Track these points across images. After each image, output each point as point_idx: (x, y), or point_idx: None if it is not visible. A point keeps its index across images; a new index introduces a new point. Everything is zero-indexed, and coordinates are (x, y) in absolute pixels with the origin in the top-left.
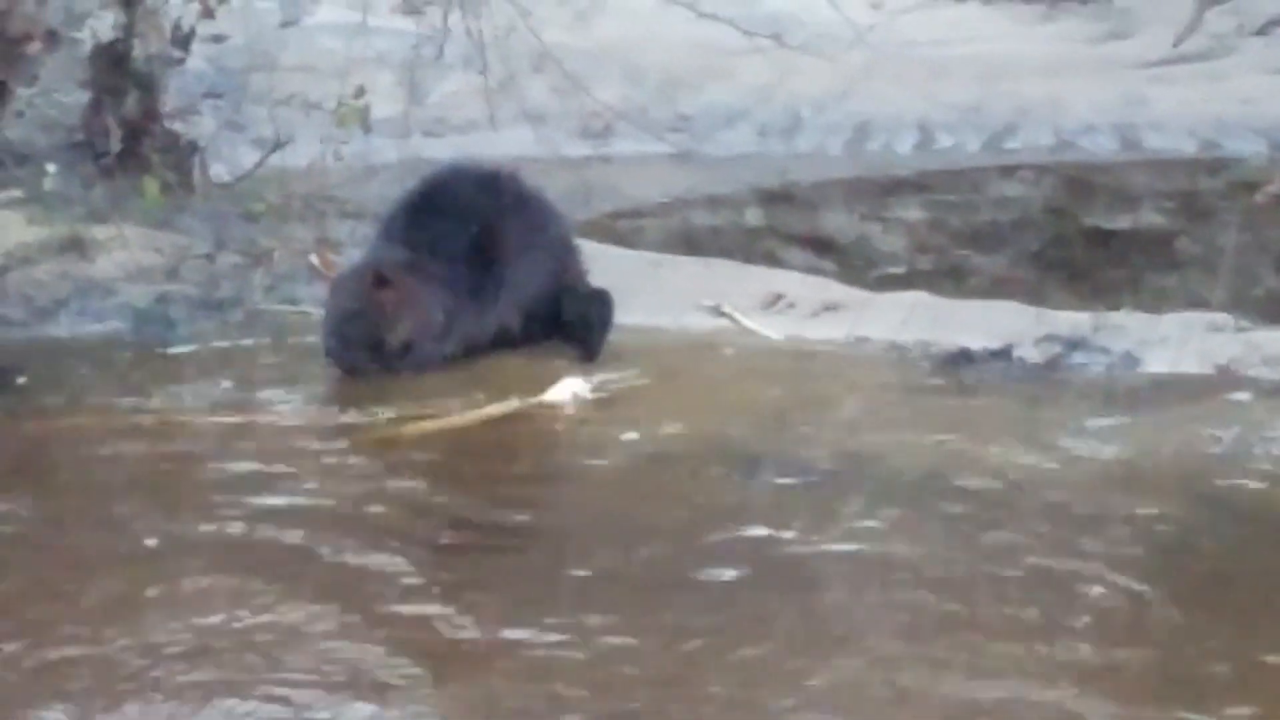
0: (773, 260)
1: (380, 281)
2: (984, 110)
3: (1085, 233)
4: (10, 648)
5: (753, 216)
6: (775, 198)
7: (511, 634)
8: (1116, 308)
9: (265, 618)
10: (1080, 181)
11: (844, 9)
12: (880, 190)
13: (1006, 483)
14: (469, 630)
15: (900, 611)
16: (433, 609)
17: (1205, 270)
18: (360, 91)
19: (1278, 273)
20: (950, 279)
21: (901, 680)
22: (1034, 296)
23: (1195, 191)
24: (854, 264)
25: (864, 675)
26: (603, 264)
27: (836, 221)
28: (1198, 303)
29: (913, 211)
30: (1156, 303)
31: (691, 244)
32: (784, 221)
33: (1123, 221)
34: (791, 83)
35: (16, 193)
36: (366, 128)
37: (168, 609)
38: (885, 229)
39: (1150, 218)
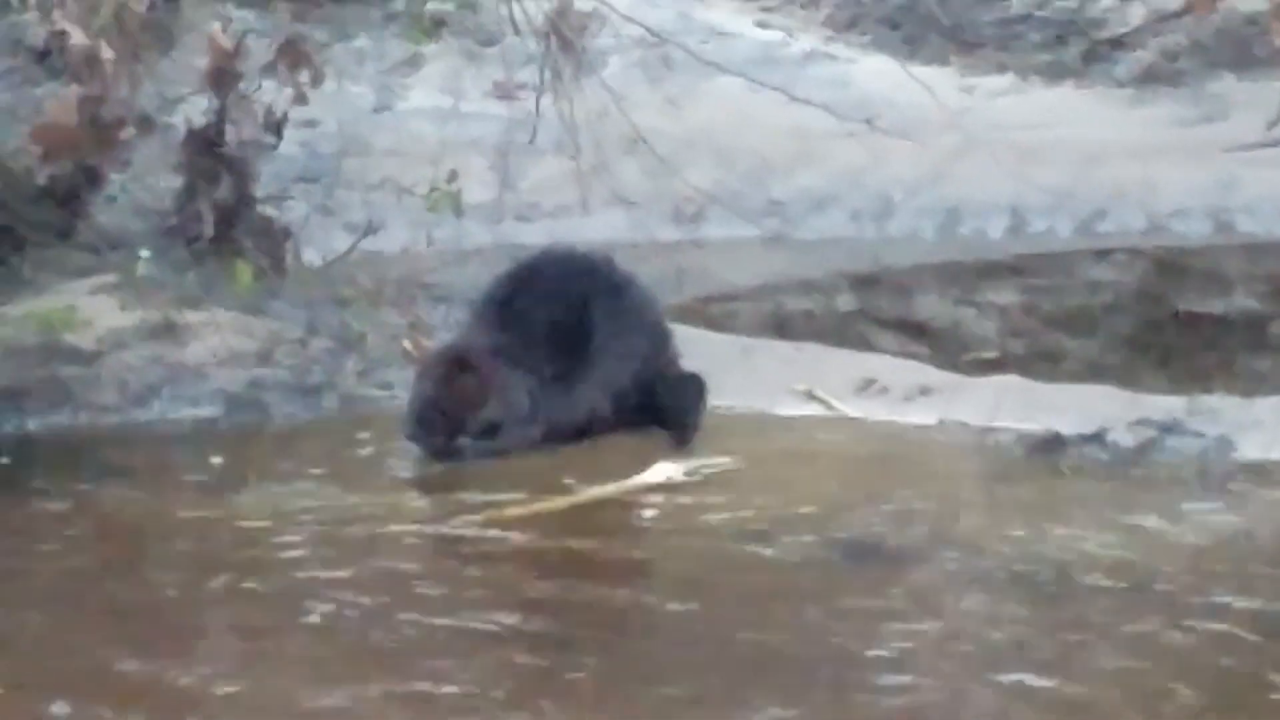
0: (865, 344)
1: (463, 366)
2: (1076, 194)
3: (1178, 316)
4: None
5: (844, 301)
6: (867, 282)
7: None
8: (1210, 392)
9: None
10: (1173, 265)
11: (936, 93)
12: (972, 274)
13: (1100, 568)
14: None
15: (1001, 696)
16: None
17: None
18: (453, 176)
19: None
20: (1043, 362)
21: None
22: (1126, 380)
23: None
24: (946, 348)
25: None
26: (695, 348)
27: (928, 305)
28: None
29: (1005, 295)
30: (1250, 386)
31: (783, 328)
32: (876, 305)
33: (1215, 305)
34: (883, 167)
35: (110, 278)
36: (459, 212)
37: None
38: (978, 313)
39: (1243, 301)
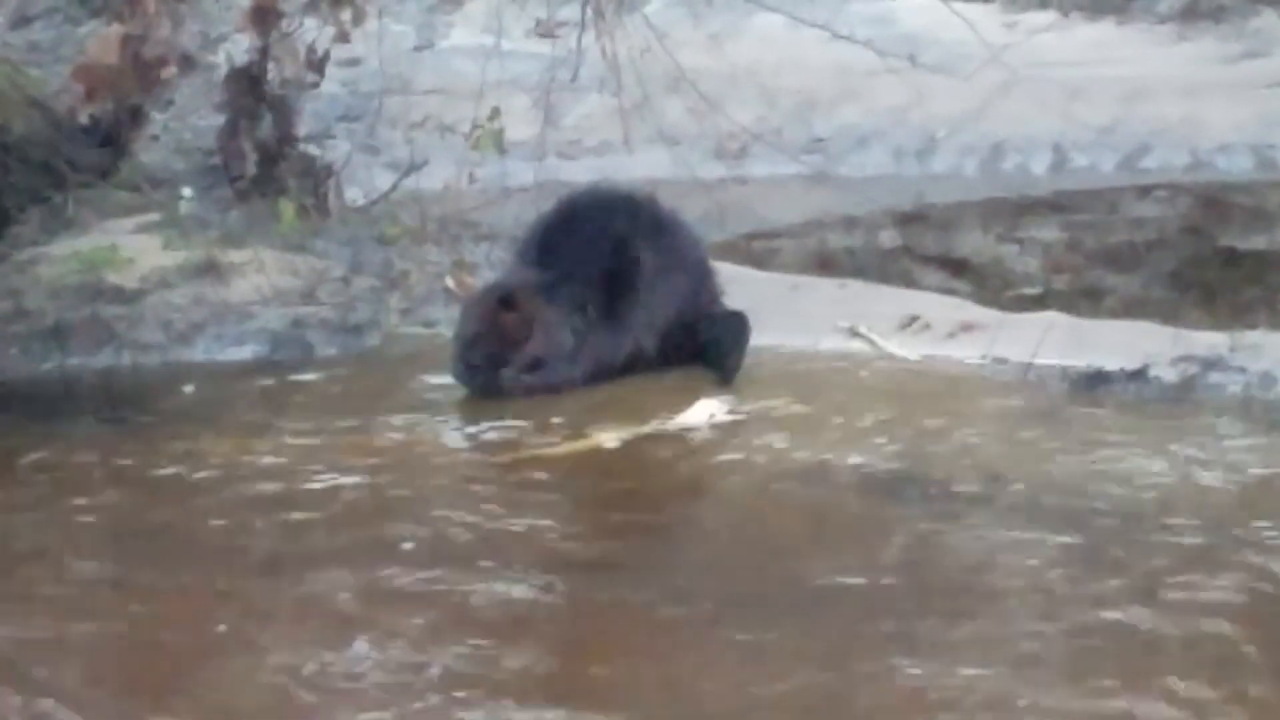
0: (908, 281)
1: (505, 304)
2: (1119, 130)
3: (1220, 252)
4: None
5: (888, 238)
6: (910, 219)
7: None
8: (1252, 327)
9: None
10: (1215, 201)
11: (979, 29)
12: (1015, 211)
13: (1144, 503)
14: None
15: (1036, 627)
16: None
17: None
18: (495, 114)
19: None
20: (1085, 299)
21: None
22: (1169, 317)
23: None
24: (989, 285)
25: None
26: (738, 286)
27: (972, 242)
28: None
29: (1048, 232)
30: None
31: (827, 265)
32: (919, 242)
33: (1258, 241)
34: (926, 103)
35: (153, 217)
36: (501, 150)
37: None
38: (1020, 250)
39: None
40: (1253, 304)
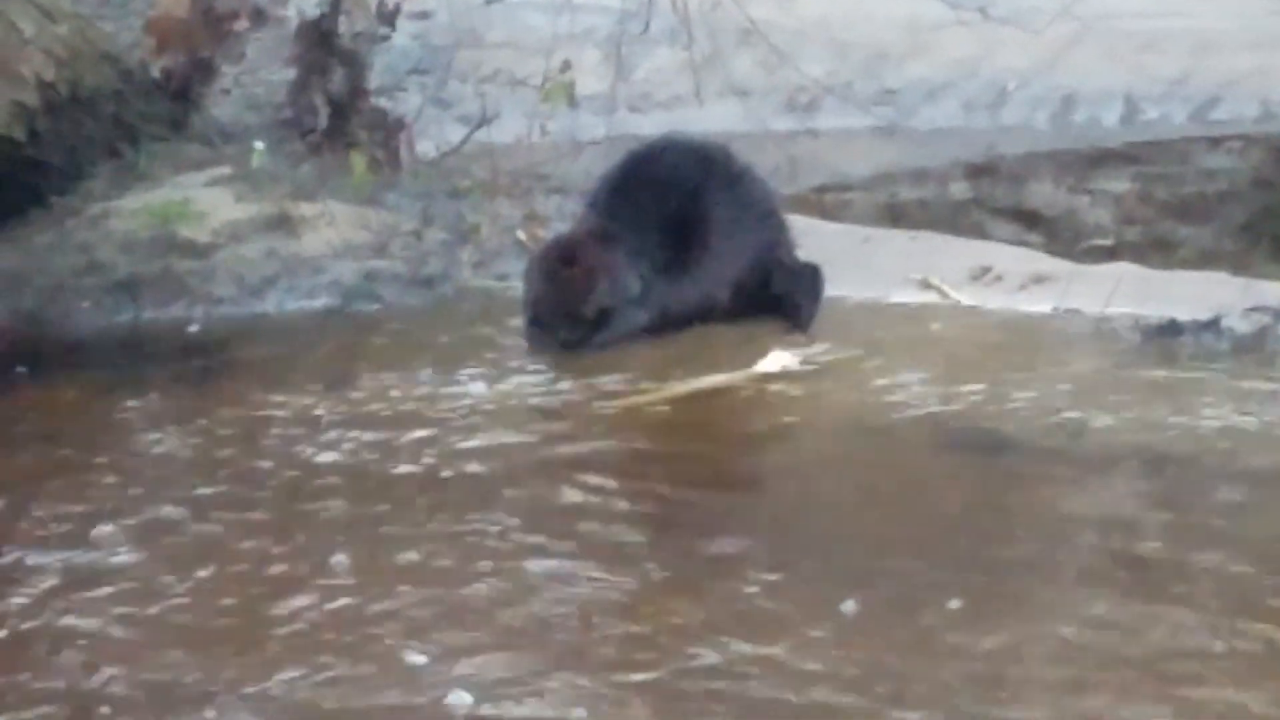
0: (979, 233)
1: (567, 258)
2: (1190, 82)
3: None
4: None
5: (958, 190)
6: (981, 171)
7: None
8: None
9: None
10: None
11: None
12: (1086, 163)
13: (1220, 453)
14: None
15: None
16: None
17: None
18: (566, 67)
19: None
20: (1157, 251)
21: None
22: (1241, 268)
23: None
24: (1061, 236)
25: (1082, 637)
26: (810, 238)
27: (1043, 194)
28: None
29: (1119, 183)
30: None
31: (897, 218)
32: (990, 195)
33: None
34: (996, 56)
35: (224, 170)
36: (572, 103)
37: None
38: (1091, 201)
39: None
40: None
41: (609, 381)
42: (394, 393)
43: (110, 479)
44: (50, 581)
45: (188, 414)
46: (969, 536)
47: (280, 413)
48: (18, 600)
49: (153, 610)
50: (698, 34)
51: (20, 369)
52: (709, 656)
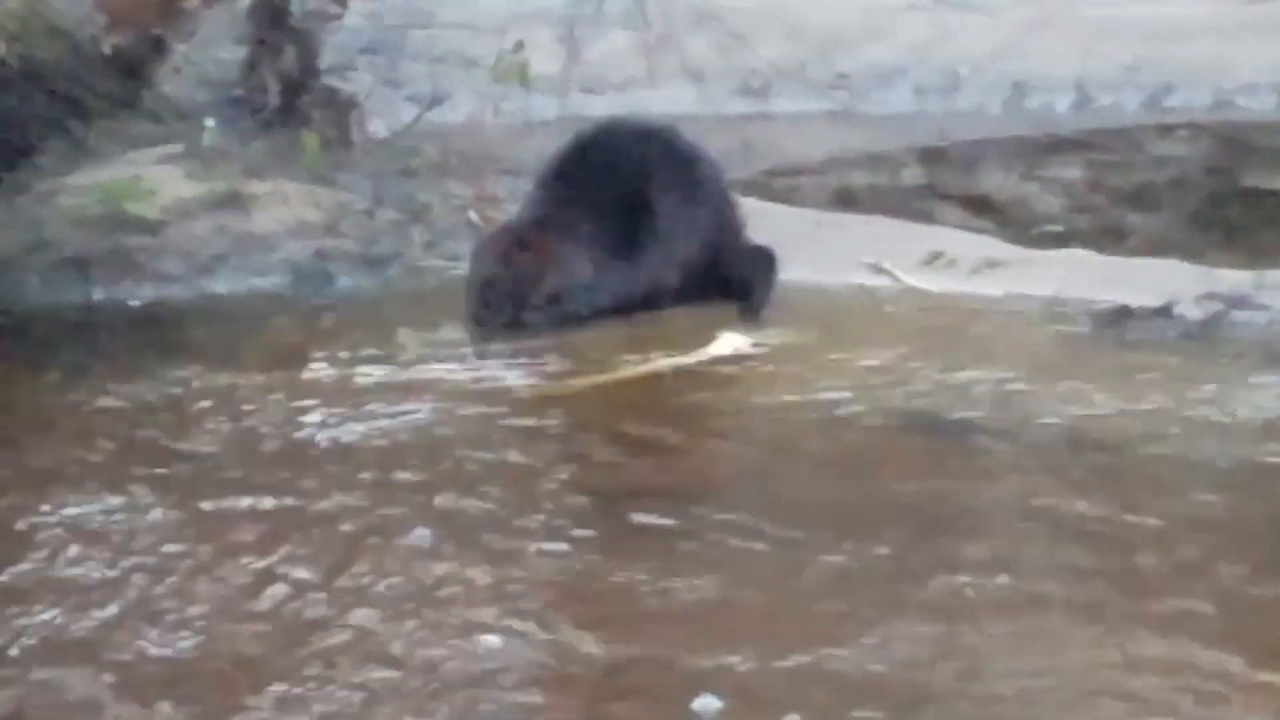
0: (930, 219)
1: (520, 242)
2: (1143, 69)
3: (1243, 193)
4: None
5: (910, 175)
6: (932, 157)
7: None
8: (1277, 266)
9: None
10: (1239, 141)
11: None
12: (1038, 149)
13: (1168, 439)
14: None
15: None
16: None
17: None
18: (519, 47)
19: None
20: (1108, 238)
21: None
22: (1191, 256)
23: None
24: (1011, 223)
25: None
26: (762, 221)
27: (994, 180)
28: None
29: (1070, 171)
30: None
31: (849, 203)
32: (942, 180)
33: None
34: (951, 41)
35: (175, 148)
36: (526, 84)
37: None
38: (1042, 188)
39: None
40: (1275, 244)
41: (557, 365)
42: (340, 371)
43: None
44: None
45: (129, 391)
46: (910, 515)
47: (223, 389)
48: None
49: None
50: (652, 16)
51: None
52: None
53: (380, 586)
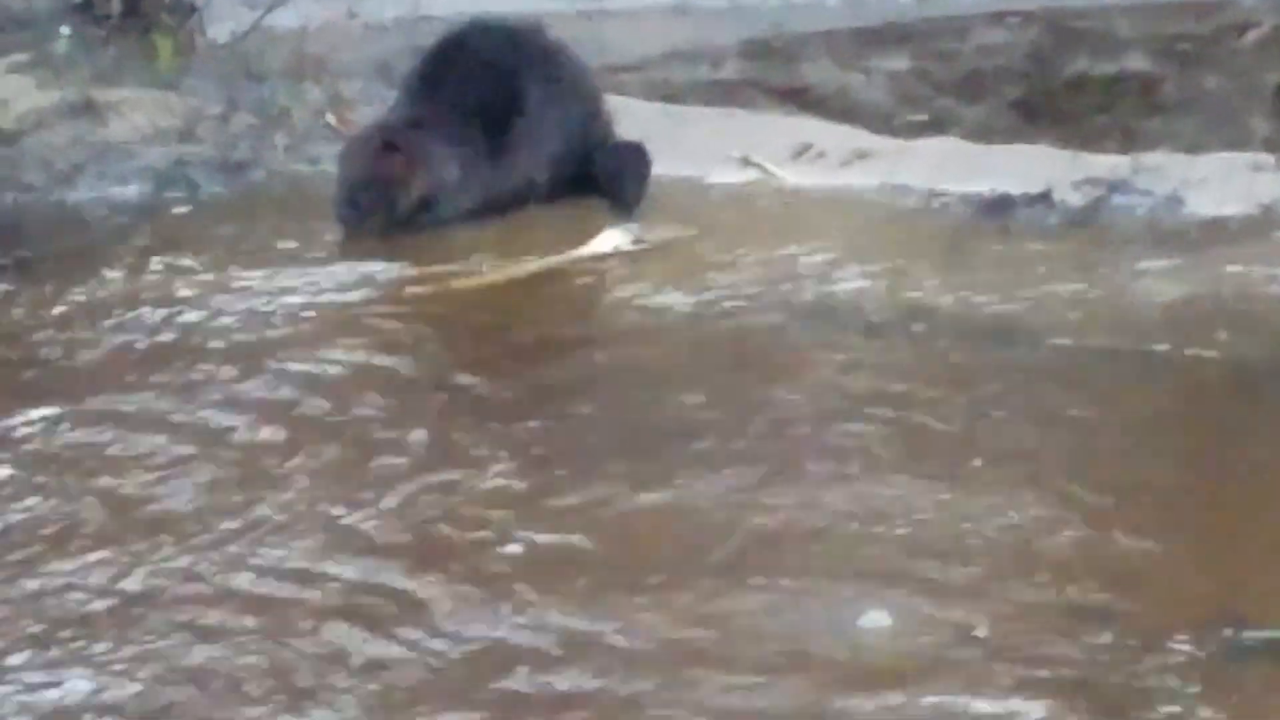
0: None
1: (387, 144)
2: None
3: (1069, 80)
4: None
5: (731, 69)
6: (757, 50)
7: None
8: (1107, 152)
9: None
10: (1065, 28)
11: None
12: (867, 40)
13: (1064, 327)
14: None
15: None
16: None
17: (1190, 113)
18: None
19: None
20: (931, 130)
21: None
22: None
23: (1182, 35)
24: (832, 116)
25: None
26: (624, 117)
27: (817, 72)
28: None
29: (897, 61)
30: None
31: (670, 99)
32: (764, 74)
33: (1107, 68)
34: None
35: (21, 57)
36: None
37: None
38: (867, 80)
39: (1136, 63)
40: (1103, 130)
41: (430, 266)
42: (203, 278)
43: None
44: None
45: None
46: (775, 410)
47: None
48: None
49: None
50: None
51: None
52: None
53: None
